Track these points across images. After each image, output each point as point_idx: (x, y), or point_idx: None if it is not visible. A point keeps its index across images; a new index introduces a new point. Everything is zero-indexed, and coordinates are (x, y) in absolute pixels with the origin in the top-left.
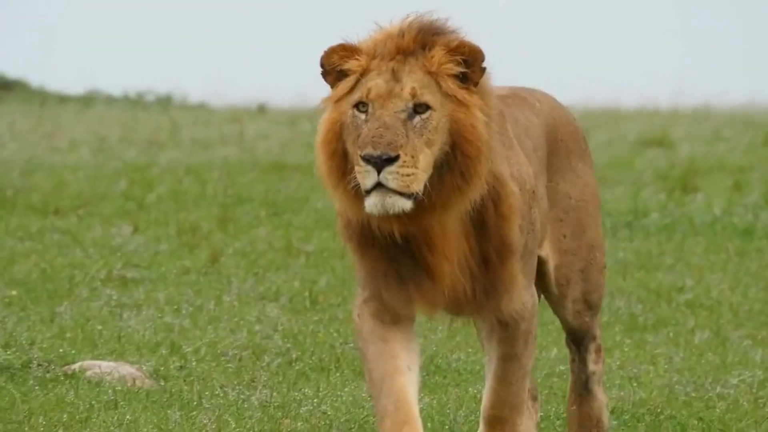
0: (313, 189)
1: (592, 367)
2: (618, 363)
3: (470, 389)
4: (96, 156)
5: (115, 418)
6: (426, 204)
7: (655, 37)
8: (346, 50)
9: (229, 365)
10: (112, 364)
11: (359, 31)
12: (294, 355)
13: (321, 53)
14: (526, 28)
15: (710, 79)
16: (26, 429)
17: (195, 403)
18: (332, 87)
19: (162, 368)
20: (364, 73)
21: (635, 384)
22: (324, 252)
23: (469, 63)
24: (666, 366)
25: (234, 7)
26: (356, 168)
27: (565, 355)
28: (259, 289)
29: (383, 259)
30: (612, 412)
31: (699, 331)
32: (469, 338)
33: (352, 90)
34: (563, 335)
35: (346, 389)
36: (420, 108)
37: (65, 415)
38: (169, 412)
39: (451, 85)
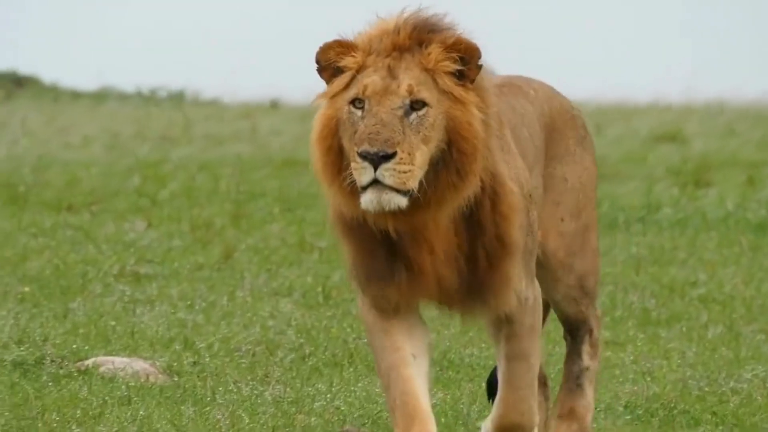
0: None
1: (586, 361)
2: (631, 358)
3: (483, 384)
4: (109, 152)
5: (129, 413)
6: (421, 201)
7: (668, 33)
8: (341, 46)
9: (243, 361)
10: (125, 359)
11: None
12: (307, 351)
13: (316, 49)
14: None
15: (723, 75)
16: (40, 425)
17: (208, 398)
18: (328, 83)
19: (175, 364)
20: (360, 69)
21: (648, 379)
22: (337, 247)
23: (465, 60)
24: (679, 361)
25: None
26: (352, 164)
27: None
28: (273, 284)
29: (370, 252)
30: (625, 406)
31: (712, 325)
32: (482, 333)
33: (347, 86)
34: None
35: (360, 384)
36: (417, 105)
37: (78, 411)
38: (182, 407)
39: (448, 82)
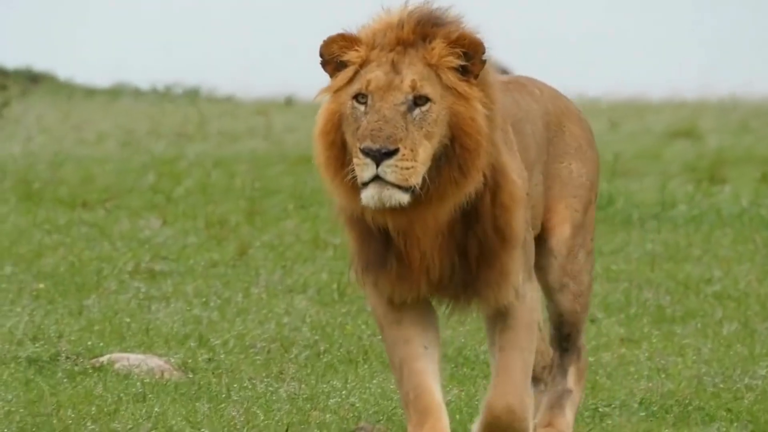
0: None
1: (571, 383)
2: (646, 354)
3: None
4: (124, 149)
5: (144, 410)
6: (422, 197)
7: (682, 29)
8: (345, 40)
9: (258, 357)
10: (140, 356)
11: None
12: (322, 347)
13: (320, 43)
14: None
15: (737, 71)
16: (55, 422)
17: (223, 395)
18: (331, 77)
19: (190, 361)
20: (363, 64)
21: (663, 375)
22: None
23: (469, 56)
24: (694, 357)
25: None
26: (354, 160)
27: (593, 346)
28: (287, 281)
29: (368, 241)
30: (640, 403)
31: (727, 322)
32: None
33: (351, 81)
34: (590, 328)
35: (375, 381)
36: (420, 100)
37: (93, 408)
38: (197, 404)
39: (452, 78)
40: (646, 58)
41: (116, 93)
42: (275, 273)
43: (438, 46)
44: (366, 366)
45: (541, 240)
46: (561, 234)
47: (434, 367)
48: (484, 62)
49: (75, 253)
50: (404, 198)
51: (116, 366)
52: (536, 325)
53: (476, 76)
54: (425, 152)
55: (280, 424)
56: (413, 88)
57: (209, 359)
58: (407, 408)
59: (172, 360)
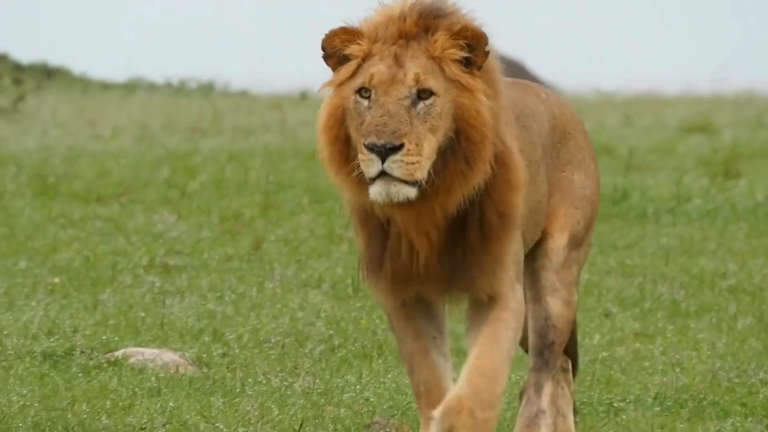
0: None
1: (544, 404)
2: (660, 349)
3: (512, 375)
4: (138, 143)
5: (158, 405)
6: (429, 190)
7: (698, 23)
8: (347, 34)
9: (272, 352)
10: (155, 351)
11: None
12: (336, 342)
13: (322, 36)
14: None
15: (752, 66)
16: (69, 416)
17: (238, 390)
18: (334, 71)
19: (205, 355)
20: (366, 57)
21: (678, 370)
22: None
23: (472, 47)
24: (709, 352)
25: None
26: (359, 156)
27: (608, 341)
28: (302, 275)
29: (375, 240)
30: (655, 398)
31: (742, 316)
32: None
33: (354, 75)
34: (604, 323)
35: (389, 376)
36: (424, 94)
37: (108, 402)
38: (212, 399)
39: (455, 70)
40: (661, 52)
41: (131, 87)
42: (290, 267)
43: (441, 38)
44: (380, 361)
45: (537, 244)
46: (559, 240)
47: (445, 358)
48: (487, 53)
49: (90, 248)
50: (411, 192)
51: (131, 360)
52: (521, 326)
53: (480, 68)
54: (430, 146)
55: (294, 418)
56: (417, 81)
57: (224, 354)
58: (419, 400)
59: (187, 354)
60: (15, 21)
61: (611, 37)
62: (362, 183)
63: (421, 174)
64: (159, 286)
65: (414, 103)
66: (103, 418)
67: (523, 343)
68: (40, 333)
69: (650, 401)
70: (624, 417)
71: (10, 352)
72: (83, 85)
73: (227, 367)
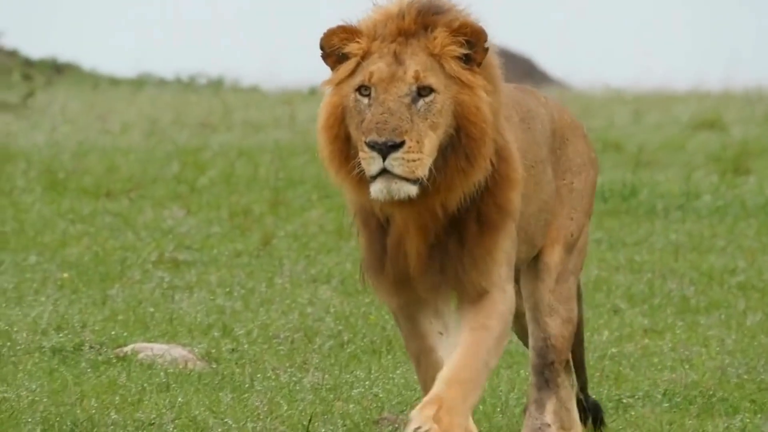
0: None
1: (548, 418)
2: (670, 345)
3: (522, 371)
4: (148, 139)
5: (167, 400)
6: (430, 188)
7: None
8: (346, 32)
9: (281, 347)
10: (164, 346)
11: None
12: (346, 338)
13: (320, 35)
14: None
15: (762, 62)
16: (78, 411)
17: (247, 385)
18: (333, 70)
19: (214, 350)
20: (365, 55)
21: (687, 366)
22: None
23: (471, 44)
24: (718, 348)
25: None
26: (360, 154)
27: (617, 337)
28: (311, 271)
29: (377, 243)
30: (664, 394)
31: (751, 313)
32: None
33: (353, 73)
34: (613, 319)
35: (398, 371)
36: (424, 91)
37: (117, 398)
38: (220, 394)
39: (455, 67)
40: (671, 48)
41: (140, 83)
42: (299, 263)
43: (440, 35)
44: (389, 356)
45: (531, 261)
46: (553, 255)
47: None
48: (486, 50)
49: (99, 243)
50: (413, 190)
51: (140, 356)
52: (507, 332)
53: (479, 64)
54: (431, 143)
55: (303, 414)
56: (417, 78)
57: (233, 349)
58: (427, 393)
59: (196, 350)
60: (25, 17)
61: (620, 33)
62: (363, 181)
63: (423, 171)
64: (168, 282)
65: (414, 101)
66: (112, 413)
67: (522, 334)
68: (50, 328)
69: (659, 397)
70: (633, 413)
71: (19, 347)
72: (93, 80)
73: (236, 363)
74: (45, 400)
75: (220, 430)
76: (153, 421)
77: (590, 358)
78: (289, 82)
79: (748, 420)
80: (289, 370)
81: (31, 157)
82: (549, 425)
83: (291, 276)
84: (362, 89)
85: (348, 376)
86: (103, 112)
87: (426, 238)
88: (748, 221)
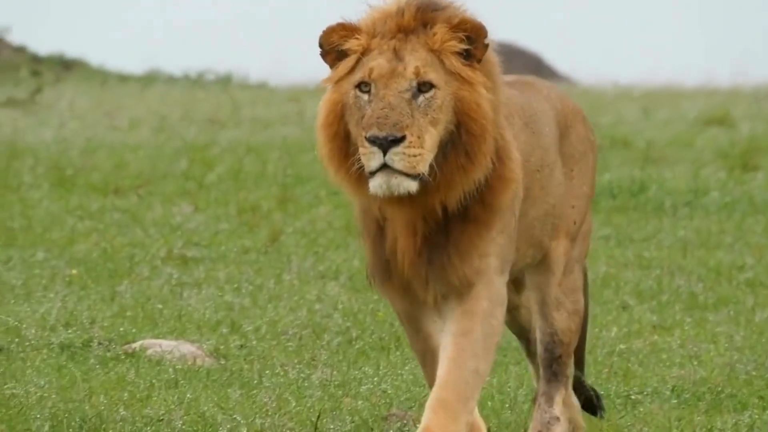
0: None
1: (557, 411)
2: (678, 342)
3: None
4: (156, 135)
5: (176, 396)
6: (430, 184)
7: (717, 16)
8: (345, 29)
9: (290, 344)
10: (172, 342)
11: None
12: (354, 334)
13: (319, 33)
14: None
15: None
16: (87, 407)
17: (255, 381)
18: (332, 67)
19: (222, 347)
20: (364, 52)
21: (695, 363)
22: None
23: (471, 40)
24: (726, 345)
25: None
26: (360, 149)
27: (625, 333)
28: (319, 267)
29: (379, 253)
30: (672, 390)
31: (759, 309)
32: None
33: (352, 70)
34: (622, 315)
35: (407, 368)
36: (424, 87)
37: (126, 394)
38: (229, 390)
39: (455, 63)
40: (679, 45)
41: (149, 79)
42: (307, 259)
43: (440, 31)
44: (398, 353)
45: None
46: (557, 248)
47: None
48: (486, 46)
49: (107, 240)
50: (413, 186)
51: (148, 352)
52: (497, 325)
53: (479, 60)
54: (432, 139)
55: (311, 410)
56: (417, 74)
57: (241, 346)
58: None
59: (204, 346)
60: (33, 13)
61: (629, 29)
62: (362, 179)
63: (423, 167)
64: (177, 278)
65: (414, 96)
66: (121, 409)
67: (514, 328)
68: (58, 324)
69: (668, 394)
70: (641, 409)
71: (28, 343)
72: (101, 77)
73: (245, 359)
74: (54, 396)
75: (228, 426)
76: (161, 418)
77: (599, 354)
78: (298, 79)
79: (756, 416)
80: (297, 366)
81: (39, 154)
82: (558, 418)
83: (299, 272)
84: (362, 86)
85: (356, 372)
86: (111, 109)
87: (418, 237)
88: (757, 217)
